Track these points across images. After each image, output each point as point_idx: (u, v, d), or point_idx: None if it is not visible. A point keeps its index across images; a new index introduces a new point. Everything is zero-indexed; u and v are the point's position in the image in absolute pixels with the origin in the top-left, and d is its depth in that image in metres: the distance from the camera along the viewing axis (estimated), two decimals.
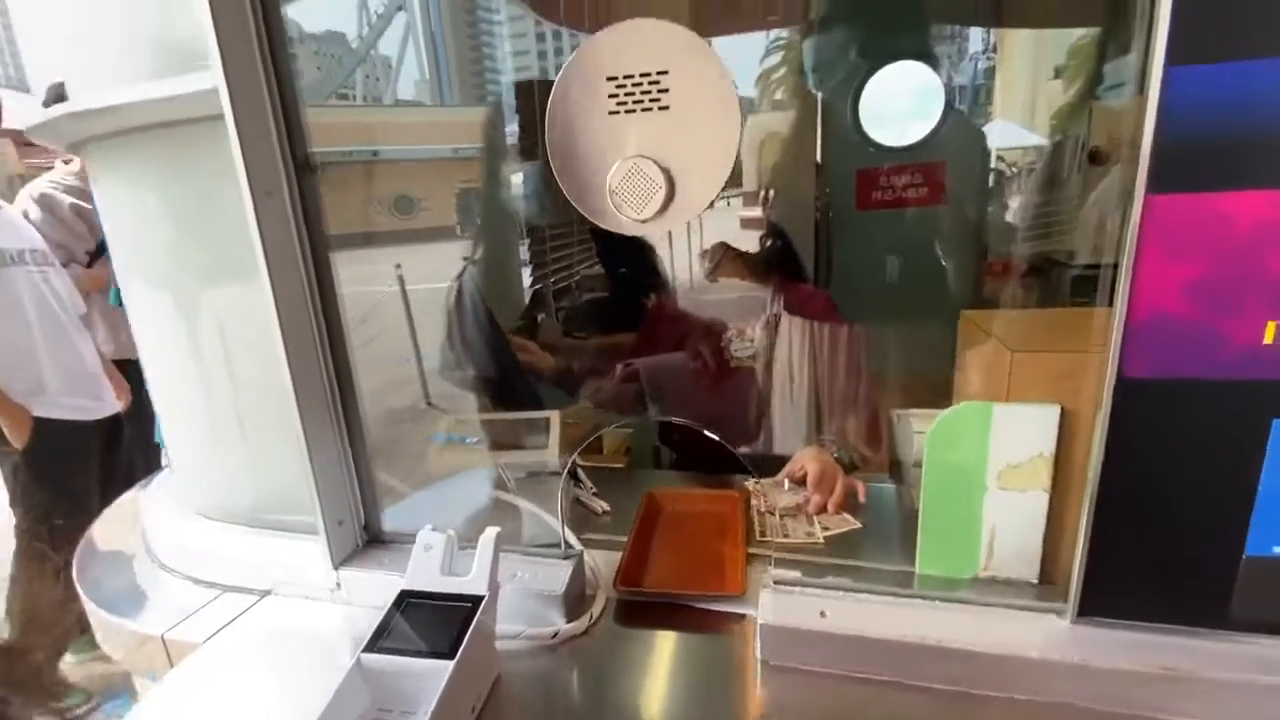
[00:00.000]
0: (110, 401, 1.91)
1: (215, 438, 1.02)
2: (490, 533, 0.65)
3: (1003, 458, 0.72)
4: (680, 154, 0.59)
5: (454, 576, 0.66)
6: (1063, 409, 0.68)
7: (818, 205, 2.42)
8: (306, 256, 0.73)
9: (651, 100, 0.58)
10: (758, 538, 0.88)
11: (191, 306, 0.96)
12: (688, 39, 0.55)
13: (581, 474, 1.03)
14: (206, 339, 0.97)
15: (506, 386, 1.12)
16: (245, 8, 0.65)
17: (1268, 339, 0.51)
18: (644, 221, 0.62)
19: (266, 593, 0.85)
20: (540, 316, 2.41)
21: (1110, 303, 0.55)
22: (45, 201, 2.05)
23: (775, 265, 1.23)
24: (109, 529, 1.19)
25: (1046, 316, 0.99)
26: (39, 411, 1.75)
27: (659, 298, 1.27)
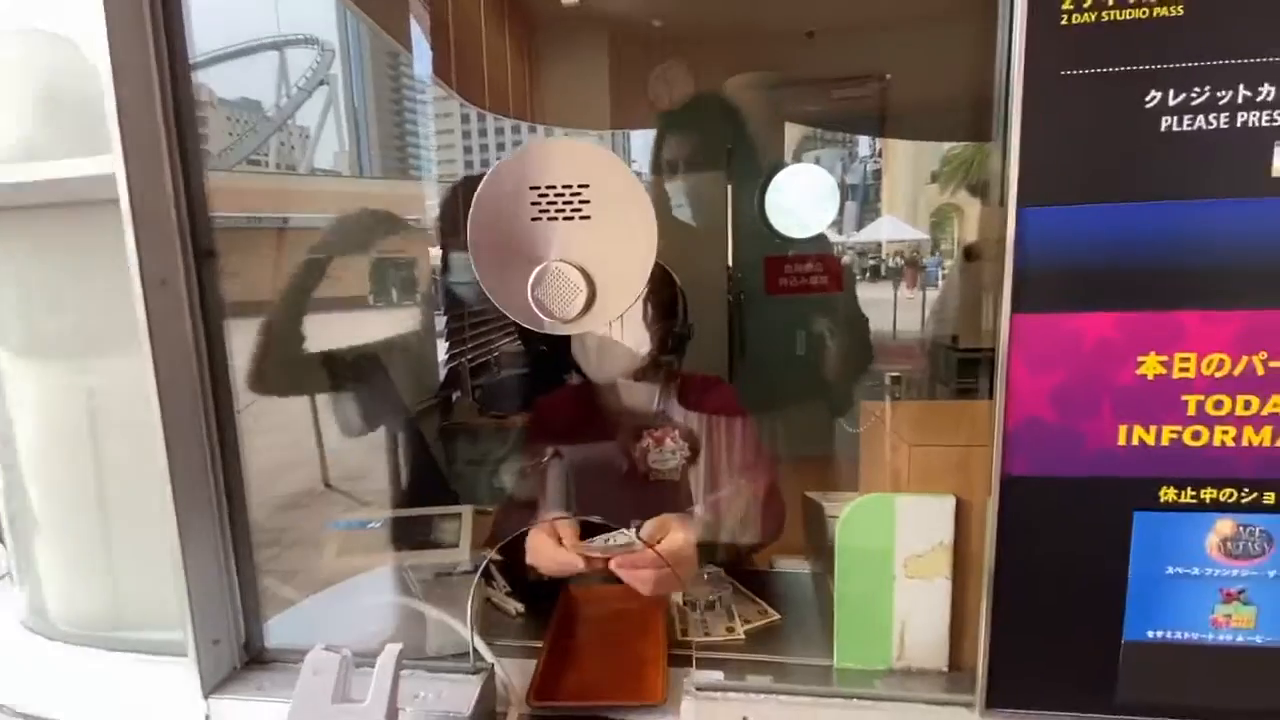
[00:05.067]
0: None
1: (68, 540, 0.90)
2: (390, 652, 0.59)
3: (908, 547, 0.75)
4: (601, 260, 0.61)
5: (348, 703, 0.59)
6: (958, 500, 0.73)
7: (730, 289, 2.54)
8: (200, 345, 0.68)
9: (573, 210, 0.60)
10: (679, 635, 0.85)
11: (52, 383, 0.87)
12: (607, 158, 0.59)
13: (494, 571, 0.98)
14: (66, 422, 0.87)
15: (416, 480, 1.06)
16: (153, 82, 0.63)
17: (1120, 441, 0.57)
18: (567, 322, 0.63)
19: None
20: (455, 395, 2.33)
21: (991, 396, 0.61)
22: None
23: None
24: None
25: (940, 408, 1.08)
26: None
27: (579, 380, 1.22)
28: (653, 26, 2.34)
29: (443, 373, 2.28)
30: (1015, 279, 0.56)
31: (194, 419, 0.68)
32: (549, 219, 0.60)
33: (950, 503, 0.73)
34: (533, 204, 0.60)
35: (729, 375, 2.22)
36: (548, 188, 0.60)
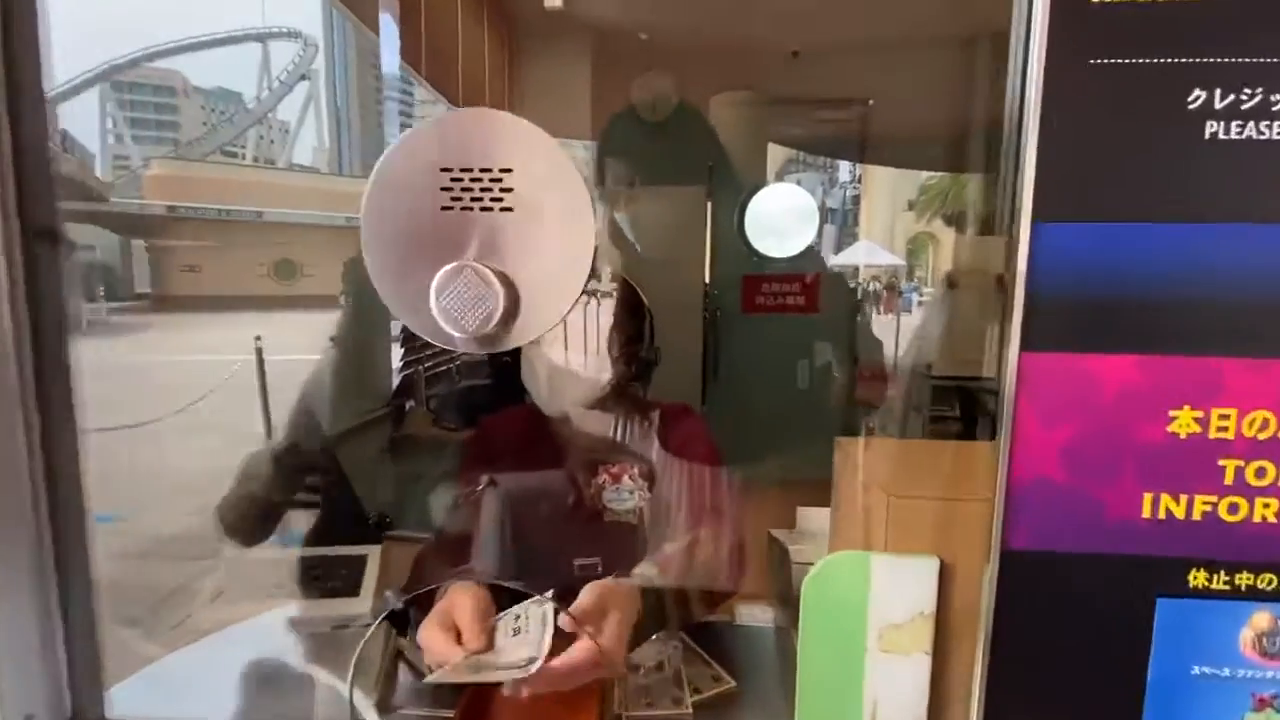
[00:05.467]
0: None
1: None
2: None
3: (883, 616, 0.64)
4: (525, 261, 0.50)
5: None
6: (941, 562, 0.63)
7: (706, 307, 2.46)
8: (22, 345, 0.54)
9: (493, 199, 0.49)
10: (615, 707, 0.73)
11: None
12: (536, 136, 0.48)
13: (412, 617, 0.84)
14: None
15: (329, 507, 0.92)
16: None
17: (1144, 512, 0.47)
18: (481, 338, 0.51)
19: None
20: (408, 404, 2.18)
21: (992, 437, 0.50)
22: None
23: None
24: None
25: (922, 448, 0.98)
26: None
27: (528, 403, 1.08)
28: (639, 39, 2.27)
29: (396, 380, 2.13)
30: (1026, 309, 0.46)
31: (7, 430, 0.54)
32: (463, 209, 0.49)
33: (934, 565, 0.62)
34: (443, 189, 0.49)
35: (701, 395, 2.12)
36: (462, 170, 0.48)
